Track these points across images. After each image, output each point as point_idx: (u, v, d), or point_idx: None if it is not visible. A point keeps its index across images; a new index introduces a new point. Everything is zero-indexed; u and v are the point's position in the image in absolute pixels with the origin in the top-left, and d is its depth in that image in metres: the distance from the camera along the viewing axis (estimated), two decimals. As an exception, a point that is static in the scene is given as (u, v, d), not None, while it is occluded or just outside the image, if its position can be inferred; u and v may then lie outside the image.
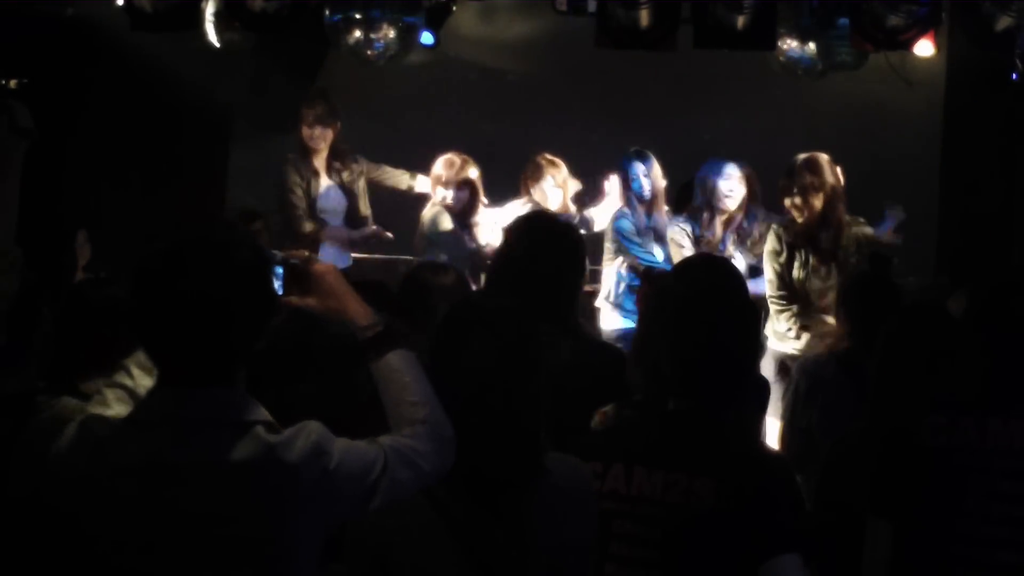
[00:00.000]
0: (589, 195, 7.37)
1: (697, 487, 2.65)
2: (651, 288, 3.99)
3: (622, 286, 6.74)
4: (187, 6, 6.85)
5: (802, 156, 5.93)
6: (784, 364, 5.69)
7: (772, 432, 4.76)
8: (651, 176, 6.77)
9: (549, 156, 7.14)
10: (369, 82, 8.16)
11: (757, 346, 3.17)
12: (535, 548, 2.48)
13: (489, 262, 5.74)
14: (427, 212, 7.13)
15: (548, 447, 2.58)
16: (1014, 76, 6.68)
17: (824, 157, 5.93)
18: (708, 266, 3.14)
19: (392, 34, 7.21)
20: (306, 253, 3.40)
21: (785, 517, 2.65)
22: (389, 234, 7.40)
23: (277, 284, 2.43)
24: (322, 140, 7.26)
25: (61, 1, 7.21)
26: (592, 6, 6.42)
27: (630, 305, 6.57)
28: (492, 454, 2.49)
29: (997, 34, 6.21)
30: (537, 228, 3.71)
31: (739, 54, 6.84)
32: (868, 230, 5.98)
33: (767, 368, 5.74)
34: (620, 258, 6.77)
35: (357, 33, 7.18)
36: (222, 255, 2.27)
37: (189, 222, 2.43)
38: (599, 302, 6.85)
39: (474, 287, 5.41)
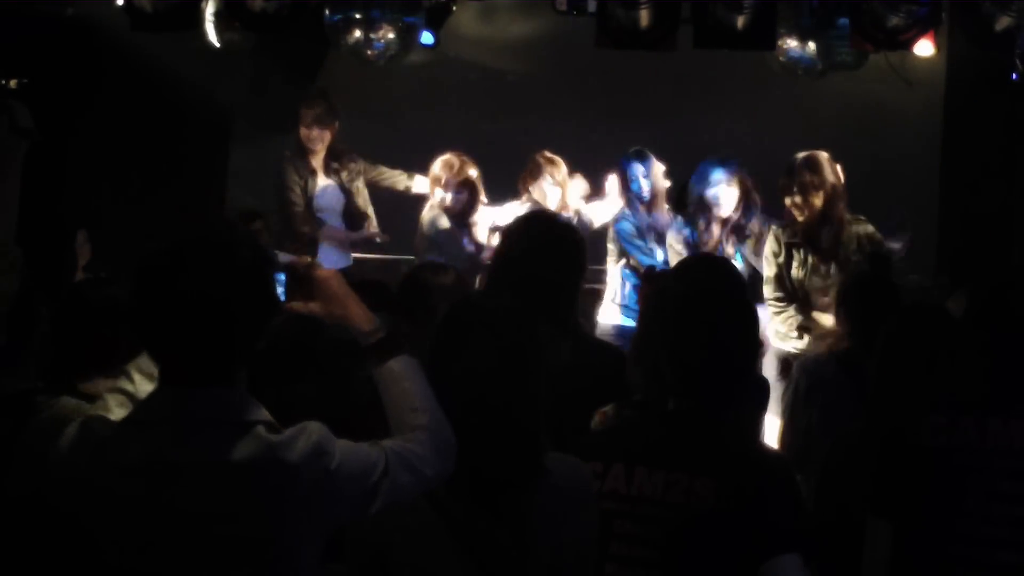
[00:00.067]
0: (589, 195, 7.37)
1: (698, 487, 2.65)
2: (651, 288, 3.99)
3: (627, 286, 6.72)
4: (187, 6, 6.85)
5: (802, 155, 5.91)
6: (787, 363, 5.67)
7: (772, 432, 4.76)
8: (650, 176, 6.74)
9: (548, 154, 7.13)
10: (369, 82, 8.16)
11: (757, 346, 3.17)
12: (535, 548, 2.48)
13: (488, 262, 5.74)
14: (426, 213, 7.13)
15: (548, 447, 2.58)
16: (1014, 76, 6.68)
17: (824, 155, 5.90)
18: (708, 266, 3.15)
19: (392, 34, 7.22)
20: (309, 259, 3.40)
21: (785, 517, 2.65)
22: (386, 235, 7.41)
23: (280, 290, 2.43)
24: (320, 141, 7.27)
25: (61, 1, 7.21)
26: (592, 6, 6.43)
27: (636, 304, 6.55)
28: (492, 454, 2.49)
29: (997, 34, 6.21)
30: (537, 228, 3.70)
31: (739, 54, 6.85)
32: (869, 228, 5.97)
33: (769, 367, 5.73)
34: (623, 260, 6.77)
35: (357, 33, 7.19)
36: (223, 255, 2.27)
37: (189, 222, 2.43)
38: (605, 302, 6.83)
39: (474, 287, 5.41)
